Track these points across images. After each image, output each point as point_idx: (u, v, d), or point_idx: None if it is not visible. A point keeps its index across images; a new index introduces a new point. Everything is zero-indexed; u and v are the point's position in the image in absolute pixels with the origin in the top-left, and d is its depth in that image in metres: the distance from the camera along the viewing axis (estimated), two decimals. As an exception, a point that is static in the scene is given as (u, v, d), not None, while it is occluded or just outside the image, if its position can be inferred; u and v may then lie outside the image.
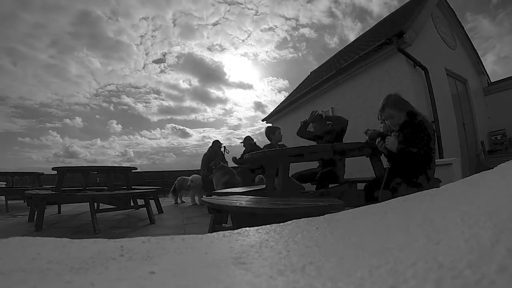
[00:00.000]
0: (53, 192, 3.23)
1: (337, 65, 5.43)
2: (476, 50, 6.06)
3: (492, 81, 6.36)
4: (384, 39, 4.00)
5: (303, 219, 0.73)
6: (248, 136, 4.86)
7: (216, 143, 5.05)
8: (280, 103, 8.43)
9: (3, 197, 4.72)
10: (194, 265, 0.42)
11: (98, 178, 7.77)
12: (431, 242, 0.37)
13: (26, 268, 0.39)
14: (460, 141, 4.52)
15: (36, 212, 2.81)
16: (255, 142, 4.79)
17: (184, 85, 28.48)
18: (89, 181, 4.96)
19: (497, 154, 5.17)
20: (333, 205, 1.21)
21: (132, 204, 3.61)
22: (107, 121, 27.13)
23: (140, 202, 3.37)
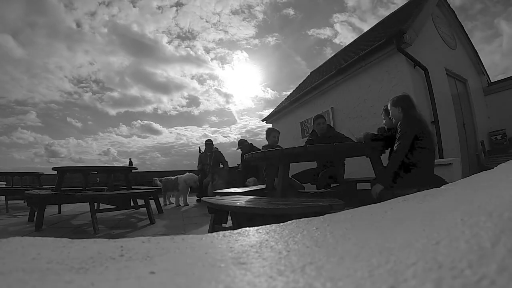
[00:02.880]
0: (53, 192, 3.23)
1: (337, 65, 5.43)
2: (476, 50, 6.06)
3: (492, 81, 6.37)
4: (384, 39, 4.00)
5: (303, 219, 0.74)
6: (242, 139, 4.90)
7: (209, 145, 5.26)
8: (280, 103, 8.44)
9: (3, 197, 4.72)
10: (194, 265, 0.42)
11: (98, 178, 7.78)
12: (431, 242, 0.37)
13: (26, 268, 0.39)
14: (460, 141, 4.52)
15: (36, 212, 2.80)
16: (251, 143, 4.83)
17: (119, 66, 26.68)
18: (89, 181, 4.96)
19: (497, 154, 5.17)
20: (333, 205, 1.21)
21: (132, 204, 3.61)
22: (69, 118, 26.50)
23: (140, 202, 3.37)
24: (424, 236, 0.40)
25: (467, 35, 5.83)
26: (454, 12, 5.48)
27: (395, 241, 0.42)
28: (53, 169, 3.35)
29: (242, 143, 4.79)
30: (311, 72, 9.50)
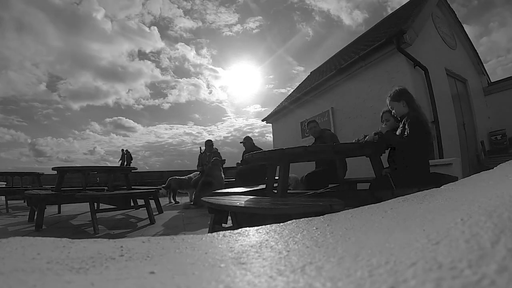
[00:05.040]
0: (53, 192, 3.23)
1: (337, 65, 5.43)
2: (476, 50, 6.06)
3: (492, 81, 6.37)
4: (384, 39, 4.00)
5: (303, 219, 0.74)
6: (248, 136, 4.89)
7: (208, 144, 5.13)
8: (280, 103, 8.44)
9: (3, 197, 4.72)
10: (194, 265, 0.42)
11: (98, 178, 7.79)
12: (431, 242, 0.37)
13: (26, 268, 0.39)
14: (460, 141, 4.52)
15: (36, 212, 2.80)
16: (253, 143, 4.82)
17: (57, 50, 25.86)
18: (89, 181, 4.96)
19: (497, 154, 5.17)
20: (333, 205, 1.21)
21: (132, 204, 3.61)
22: (36, 116, 26.30)
23: (140, 202, 3.37)
24: (424, 236, 0.40)
25: (467, 35, 5.84)
26: (454, 12, 5.49)
27: (395, 241, 0.42)
28: (53, 169, 3.35)
29: (248, 140, 4.76)
30: (311, 72, 9.50)
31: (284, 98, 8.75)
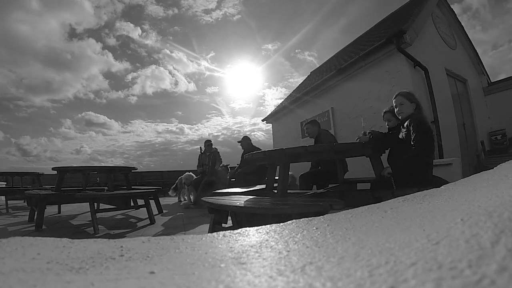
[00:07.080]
0: (53, 192, 3.23)
1: (337, 65, 5.44)
2: (476, 50, 6.07)
3: (492, 81, 6.37)
4: (384, 39, 4.00)
5: (303, 219, 0.74)
6: (246, 136, 4.86)
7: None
8: (280, 103, 8.45)
9: (3, 197, 4.73)
10: (194, 265, 0.42)
11: (98, 178, 7.79)
12: (431, 242, 0.37)
13: (26, 268, 0.39)
14: (460, 141, 4.52)
15: (36, 212, 2.81)
16: (251, 142, 4.79)
17: None
18: (89, 181, 4.96)
19: (497, 154, 5.17)
20: (333, 205, 1.21)
21: (132, 204, 3.61)
22: (11, 111, 25.45)
23: (140, 202, 3.37)
24: (424, 236, 0.40)
25: (467, 35, 5.84)
26: (454, 12, 5.50)
27: (395, 241, 0.42)
28: (53, 169, 3.35)
29: (245, 141, 4.73)
30: (311, 72, 9.51)
31: (268, 93, 8.79)
